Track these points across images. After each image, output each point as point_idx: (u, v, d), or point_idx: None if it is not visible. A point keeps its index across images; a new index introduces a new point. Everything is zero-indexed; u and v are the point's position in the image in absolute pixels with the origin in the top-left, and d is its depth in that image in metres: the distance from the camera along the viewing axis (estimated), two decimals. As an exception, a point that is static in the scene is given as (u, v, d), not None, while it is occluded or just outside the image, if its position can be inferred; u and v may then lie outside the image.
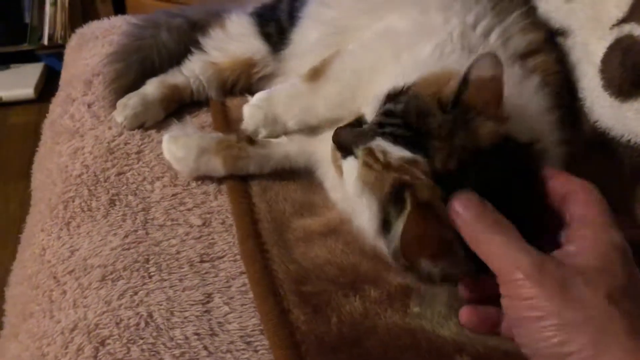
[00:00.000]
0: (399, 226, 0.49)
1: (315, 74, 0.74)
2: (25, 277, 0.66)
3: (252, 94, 0.89)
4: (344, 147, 0.55)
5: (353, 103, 0.70)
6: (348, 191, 0.55)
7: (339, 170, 0.58)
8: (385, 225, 0.51)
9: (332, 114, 0.72)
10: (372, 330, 0.54)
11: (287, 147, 0.73)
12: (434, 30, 0.68)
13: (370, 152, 0.52)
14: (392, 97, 0.55)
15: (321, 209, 0.69)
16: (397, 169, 0.49)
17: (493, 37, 0.67)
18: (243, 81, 0.90)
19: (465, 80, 0.50)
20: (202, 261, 0.62)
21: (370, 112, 0.56)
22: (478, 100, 0.50)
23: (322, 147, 0.72)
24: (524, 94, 0.58)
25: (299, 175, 0.74)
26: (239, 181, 0.72)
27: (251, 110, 0.75)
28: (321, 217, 0.67)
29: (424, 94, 0.53)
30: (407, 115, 0.51)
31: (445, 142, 0.49)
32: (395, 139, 0.51)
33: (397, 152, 0.50)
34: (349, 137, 0.55)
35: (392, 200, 0.50)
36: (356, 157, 0.53)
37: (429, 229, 0.47)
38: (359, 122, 0.57)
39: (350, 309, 0.56)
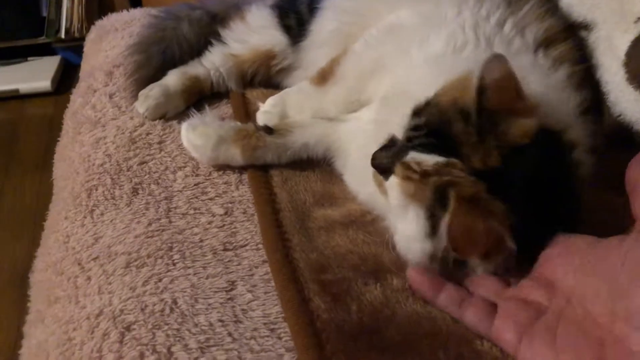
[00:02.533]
0: (444, 222, 0.50)
1: (323, 76, 0.76)
2: (50, 263, 0.66)
3: (271, 86, 0.91)
4: (383, 170, 0.56)
5: (362, 100, 0.73)
6: (394, 209, 0.55)
7: (384, 191, 0.58)
8: (434, 230, 0.52)
9: (342, 112, 0.74)
10: (392, 318, 0.54)
11: (305, 138, 0.74)
12: (444, 22, 0.68)
13: (406, 166, 0.53)
14: (418, 112, 0.56)
15: (341, 200, 0.69)
16: (435, 173, 0.51)
17: (507, 26, 0.67)
18: (263, 73, 0.91)
19: (481, 88, 0.51)
20: (225, 249, 0.63)
21: (401, 130, 0.57)
22: (500, 102, 0.51)
23: (341, 138, 0.73)
24: (551, 85, 0.58)
25: (318, 166, 0.75)
26: (260, 171, 0.73)
27: (265, 117, 0.77)
28: (341, 207, 0.68)
29: (444, 101, 0.54)
30: (430, 125, 0.54)
31: (478, 146, 0.50)
32: (426, 149, 0.52)
33: (431, 159, 0.52)
34: (385, 159, 0.56)
35: (437, 202, 0.51)
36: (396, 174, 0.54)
37: (477, 222, 0.48)
38: (392, 142, 0.58)
39: (370, 298, 0.56)
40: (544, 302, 0.49)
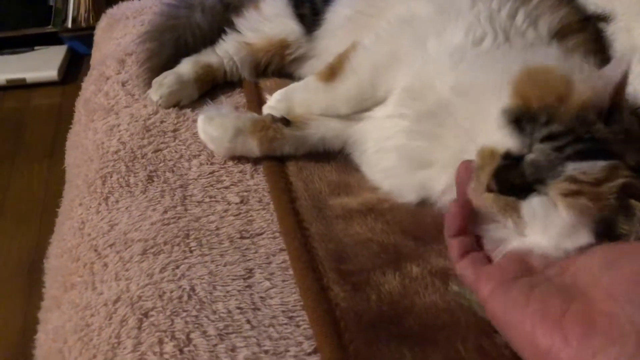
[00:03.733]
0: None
1: (332, 72, 0.74)
2: (65, 250, 0.66)
3: (284, 75, 0.90)
4: (523, 189, 0.51)
5: (374, 96, 0.71)
6: (548, 233, 0.51)
7: (508, 214, 0.52)
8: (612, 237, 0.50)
9: (355, 110, 0.72)
10: (411, 308, 0.54)
11: (322, 132, 0.73)
12: (460, 13, 0.67)
13: (573, 179, 0.49)
14: (526, 118, 0.52)
15: (357, 190, 0.69)
16: (606, 179, 0.49)
17: (519, 18, 0.66)
18: (276, 62, 0.90)
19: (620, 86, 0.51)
20: (241, 237, 0.62)
21: (505, 141, 0.52)
22: (623, 98, 0.52)
23: (358, 133, 0.72)
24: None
25: (333, 156, 0.74)
26: (275, 161, 0.72)
27: (270, 113, 0.75)
28: (358, 197, 0.68)
29: (532, 96, 0.52)
30: (574, 131, 0.50)
31: (626, 143, 0.50)
32: (582, 156, 0.50)
33: (595, 166, 0.49)
34: (527, 176, 0.51)
35: (617, 210, 0.49)
36: (543, 193, 0.51)
37: None
38: (510, 158, 0.52)
39: (389, 288, 0.56)
40: (538, 267, 0.50)
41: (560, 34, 0.66)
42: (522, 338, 0.45)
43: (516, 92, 0.53)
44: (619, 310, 0.42)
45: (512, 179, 0.51)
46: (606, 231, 0.49)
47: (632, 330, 0.40)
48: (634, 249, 0.47)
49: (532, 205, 0.51)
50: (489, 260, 0.53)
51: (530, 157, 0.51)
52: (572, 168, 0.49)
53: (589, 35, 0.70)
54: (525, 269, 0.50)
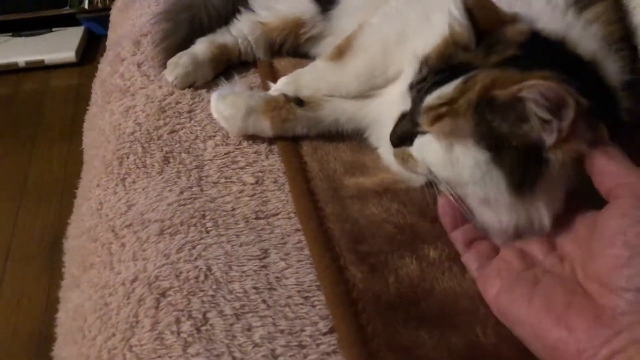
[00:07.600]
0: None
1: (340, 52, 0.73)
2: (84, 230, 0.67)
3: (299, 55, 0.89)
4: (406, 137, 0.56)
5: (385, 73, 0.70)
6: (439, 163, 0.53)
7: (413, 165, 0.57)
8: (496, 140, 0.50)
9: (365, 87, 0.71)
10: (430, 292, 0.54)
11: (336, 114, 0.72)
12: None
13: (429, 107, 0.52)
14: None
15: (372, 170, 0.68)
16: (462, 93, 0.51)
17: None
18: (291, 42, 0.89)
19: (468, 11, 0.53)
20: (257, 218, 0.62)
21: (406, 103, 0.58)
22: (487, 18, 0.53)
23: (373, 112, 0.71)
24: (585, 41, 0.56)
25: (348, 136, 0.74)
26: (289, 141, 0.72)
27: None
28: (373, 177, 0.67)
29: (434, 51, 0.57)
30: (434, 68, 0.54)
31: (487, 61, 0.52)
32: (439, 84, 0.53)
33: (450, 86, 0.52)
34: (405, 127, 0.56)
35: (478, 111, 0.50)
36: (421, 133, 0.55)
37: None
38: (402, 115, 0.58)
39: (407, 271, 0.55)
40: (540, 257, 0.52)
41: (580, 6, 0.64)
42: (531, 334, 0.47)
43: None
44: (618, 300, 0.42)
45: (397, 131, 0.57)
46: (495, 140, 0.49)
47: (636, 319, 0.41)
48: (605, 230, 0.46)
49: (416, 146, 0.56)
50: (494, 248, 0.54)
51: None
52: (428, 99, 0.53)
53: (607, 4, 0.68)
54: (528, 261, 0.52)
